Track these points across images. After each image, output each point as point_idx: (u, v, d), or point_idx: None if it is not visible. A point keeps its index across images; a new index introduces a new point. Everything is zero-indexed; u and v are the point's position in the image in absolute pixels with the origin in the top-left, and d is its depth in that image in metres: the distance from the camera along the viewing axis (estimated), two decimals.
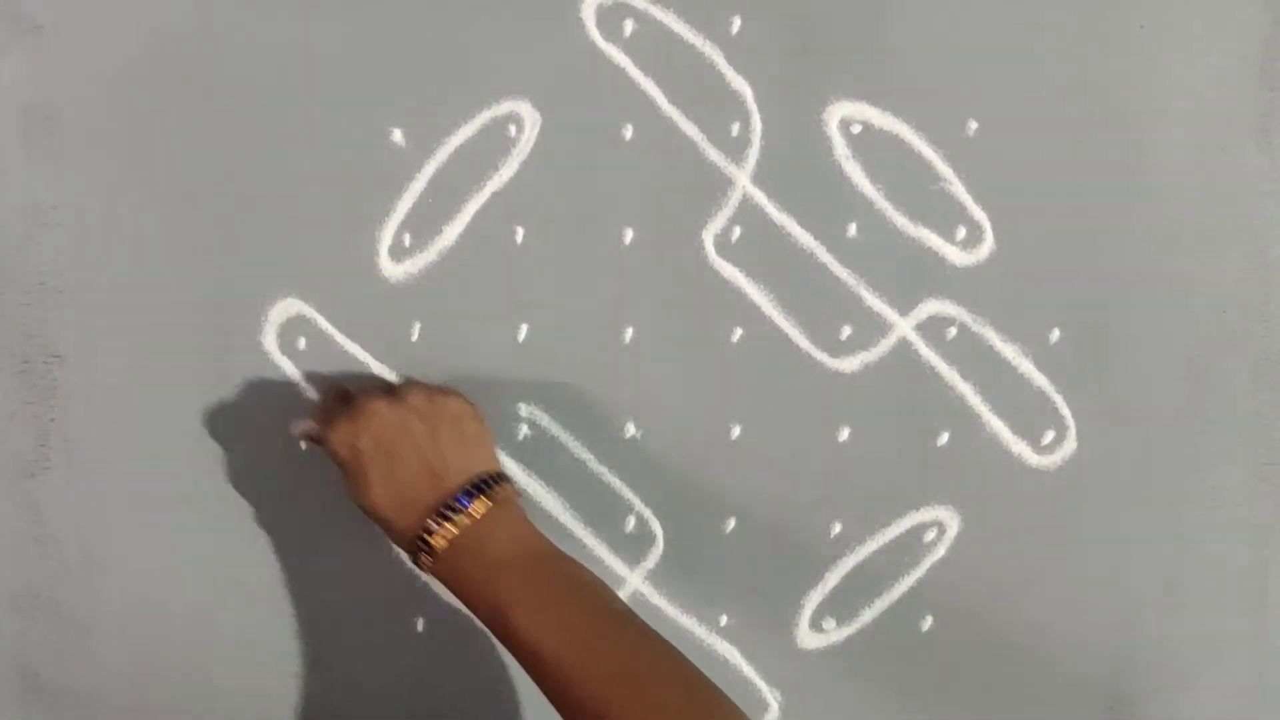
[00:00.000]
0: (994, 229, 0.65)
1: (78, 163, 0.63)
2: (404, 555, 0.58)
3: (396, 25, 0.63)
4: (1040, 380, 0.67)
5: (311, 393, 0.65)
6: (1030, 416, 0.67)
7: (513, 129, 0.64)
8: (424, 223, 0.64)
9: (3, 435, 0.65)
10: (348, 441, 0.58)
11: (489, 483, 0.57)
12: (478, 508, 0.56)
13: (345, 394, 0.62)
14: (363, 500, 0.57)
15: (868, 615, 0.68)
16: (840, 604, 0.68)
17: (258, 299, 0.65)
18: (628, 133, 0.64)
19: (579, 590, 0.56)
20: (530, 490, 0.66)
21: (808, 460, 0.67)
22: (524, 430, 0.66)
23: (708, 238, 0.65)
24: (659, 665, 0.53)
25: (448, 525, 0.55)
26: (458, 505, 0.56)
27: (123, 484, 0.66)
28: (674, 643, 0.67)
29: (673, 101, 0.64)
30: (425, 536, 0.55)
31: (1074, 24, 0.64)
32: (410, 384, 0.59)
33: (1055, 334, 0.66)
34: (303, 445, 0.65)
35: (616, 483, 0.67)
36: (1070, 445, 0.67)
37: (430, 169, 0.64)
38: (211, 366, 0.65)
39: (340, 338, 0.65)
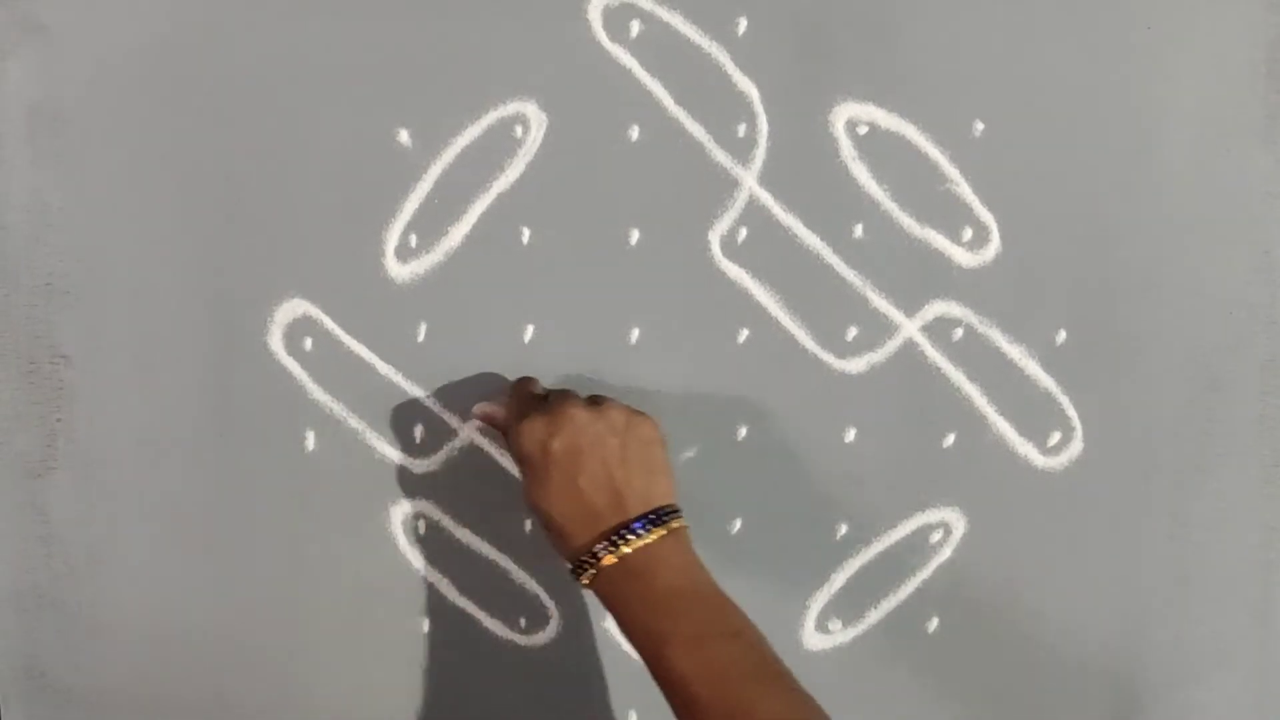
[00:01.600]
0: (1000, 230, 0.65)
1: (84, 163, 0.63)
2: (564, 563, 0.57)
3: (403, 26, 0.63)
4: (1046, 381, 0.67)
5: (318, 393, 0.65)
6: (1036, 418, 0.67)
7: (519, 130, 0.64)
8: (430, 223, 0.64)
9: (9, 435, 0.65)
10: (540, 439, 0.57)
11: (666, 515, 0.56)
12: (652, 535, 0.55)
13: (539, 392, 0.62)
14: (540, 501, 0.57)
15: (874, 616, 0.68)
16: (846, 605, 0.68)
17: (264, 299, 0.65)
18: (634, 134, 0.64)
19: (737, 636, 0.55)
20: None
21: (814, 461, 0.67)
22: None
23: (714, 239, 0.65)
24: None
25: (621, 547, 0.55)
26: (636, 530, 0.55)
27: (128, 484, 0.66)
28: None
29: (679, 102, 0.64)
30: (594, 553, 0.55)
31: (1080, 25, 0.64)
32: (610, 400, 0.59)
33: (1062, 335, 0.66)
34: (475, 425, 0.65)
35: None
36: (1076, 447, 0.67)
37: (436, 170, 0.64)
38: (217, 367, 0.65)
39: (346, 338, 0.65)
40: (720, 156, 0.65)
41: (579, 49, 0.63)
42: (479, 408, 0.63)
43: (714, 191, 0.65)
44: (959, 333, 0.66)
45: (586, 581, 0.56)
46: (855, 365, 0.66)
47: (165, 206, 0.64)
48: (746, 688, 0.52)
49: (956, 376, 0.66)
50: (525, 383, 0.63)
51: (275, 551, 0.67)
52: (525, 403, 0.60)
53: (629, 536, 0.55)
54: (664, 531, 0.55)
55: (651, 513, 0.56)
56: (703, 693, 0.52)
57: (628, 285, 0.65)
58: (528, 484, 0.58)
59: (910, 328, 0.66)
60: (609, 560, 0.55)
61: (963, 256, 0.66)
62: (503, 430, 0.61)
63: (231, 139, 0.63)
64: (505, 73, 0.63)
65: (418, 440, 0.66)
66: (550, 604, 0.68)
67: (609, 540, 0.55)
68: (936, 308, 0.66)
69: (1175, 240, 0.66)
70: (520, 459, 0.58)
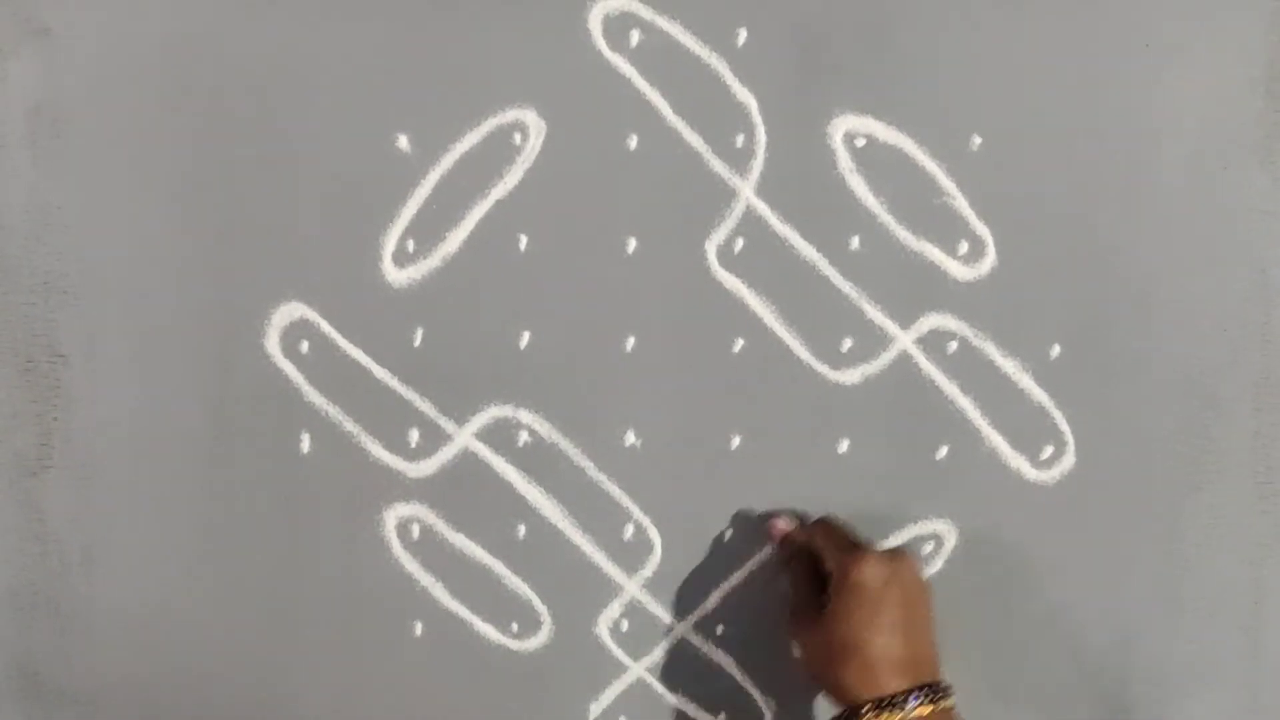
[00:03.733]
0: (996, 244, 0.65)
1: (84, 165, 0.64)
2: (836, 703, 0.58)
3: (403, 32, 0.63)
4: (1040, 395, 0.67)
5: (314, 396, 0.65)
6: (1029, 431, 0.67)
7: (518, 137, 0.64)
8: (428, 229, 0.64)
9: (6, 434, 0.66)
10: (883, 575, 0.58)
11: (945, 692, 0.58)
12: (950, 701, 0.57)
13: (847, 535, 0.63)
14: (859, 632, 0.57)
15: None
16: None
17: (261, 302, 0.65)
18: (632, 142, 0.64)
19: None
20: (530, 498, 0.67)
21: (807, 471, 0.67)
22: (524, 437, 0.66)
23: (710, 248, 0.65)
24: None
25: (942, 702, 0.57)
26: (947, 691, 0.58)
27: (124, 484, 0.66)
28: (670, 651, 0.68)
29: (678, 112, 0.64)
30: (882, 707, 0.56)
31: (1079, 42, 0.64)
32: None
33: (1056, 350, 0.66)
34: (772, 531, 0.66)
35: (615, 491, 0.67)
36: (1069, 461, 0.67)
37: (435, 176, 0.64)
38: (214, 369, 0.65)
39: (343, 342, 0.65)
40: (718, 166, 0.65)
41: (579, 57, 0.64)
42: (779, 523, 0.65)
43: (711, 201, 0.65)
44: (953, 346, 0.66)
45: None
46: (850, 376, 0.66)
47: (164, 208, 0.64)
48: None
49: (950, 389, 0.67)
50: (834, 522, 0.65)
51: (269, 553, 0.67)
52: (846, 537, 0.62)
53: (941, 695, 0.57)
54: (950, 704, 0.58)
55: (941, 685, 0.58)
56: None
57: (624, 293, 0.65)
58: (845, 611, 0.58)
59: (905, 340, 0.66)
60: (926, 710, 0.56)
61: (958, 270, 0.66)
62: (796, 553, 0.63)
63: (231, 143, 0.64)
64: (505, 80, 0.64)
65: (413, 445, 0.66)
66: (542, 609, 0.68)
67: (924, 691, 0.57)
68: (931, 320, 0.66)
69: (1171, 256, 0.66)
70: (847, 588, 0.58)
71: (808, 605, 0.62)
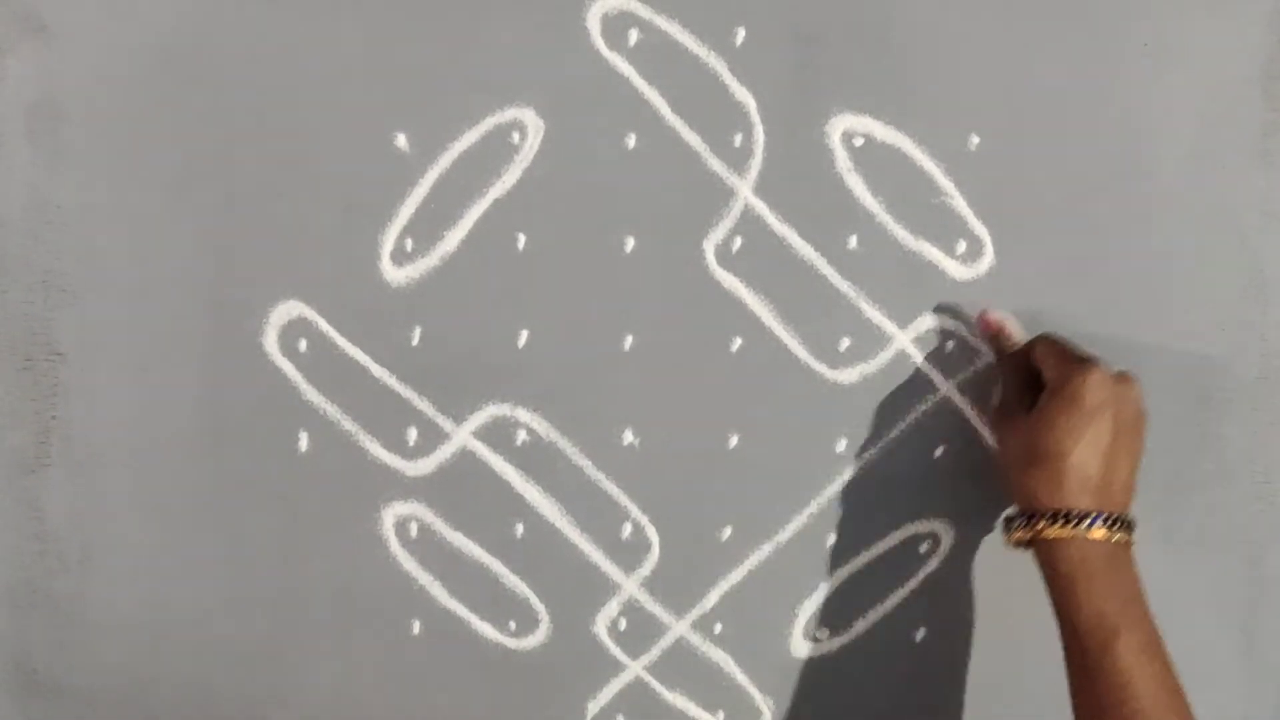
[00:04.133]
0: (994, 243, 0.66)
1: (82, 162, 0.64)
2: (1007, 516, 0.58)
3: (401, 31, 0.63)
4: None
5: (312, 395, 0.65)
6: None
7: (516, 136, 0.64)
8: (426, 228, 0.64)
9: (4, 432, 0.66)
10: (1103, 394, 0.56)
11: (1129, 525, 0.57)
12: (1102, 534, 0.56)
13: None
14: (1065, 441, 0.56)
15: (861, 625, 0.68)
16: (834, 614, 0.68)
17: (259, 300, 0.65)
18: (631, 141, 0.64)
19: (1172, 666, 0.57)
20: (528, 497, 0.67)
21: (805, 470, 0.67)
22: (522, 436, 0.66)
23: (709, 247, 0.65)
24: None
25: (1118, 533, 0.56)
26: (1132, 523, 0.57)
27: (122, 482, 0.66)
28: (668, 650, 0.68)
29: (676, 111, 0.64)
30: (1060, 519, 0.55)
31: (1078, 41, 0.64)
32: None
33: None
34: (988, 336, 0.65)
35: (613, 489, 0.67)
36: None
37: (433, 174, 0.64)
38: (212, 367, 0.65)
39: (341, 341, 0.65)
40: (716, 166, 0.65)
41: (577, 56, 0.64)
42: (991, 315, 0.63)
43: (709, 200, 0.65)
44: (951, 345, 0.66)
45: (1031, 537, 0.56)
46: (847, 375, 0.67)
47: (163, 206, 0.64)
48: (1180, 707, 0.55)
49: (947, 388, 0.67)
50: (1059, 340, 0.62)
51: (267, 551, 0.67)
52: (1070, 350, 0.60)
53: (1123, 527, 0.56)
54: (1129, 539, 0.57)
55: (1130, 518, 0.57)
56: (1142, 694, 0.54)
57: (622, 292, 0.65)
58: (1052, 416, 0.57)
59: (903, 339, 0.66)
60: (1101, 534, 0.55)
61: (956, 269, 0.66)
62: (1014, 355, 0.62)
63: (230, 141, 0.64)
64: (503, 79, 0.64)
65: (411, 444, 0.66)
66: (540, 608, 0.68)
67: (1108, 518, 0.55)
68: (929, 320, 0.66)
69: (1168, 256, 0.66)
70: (1063, 395, 0.57)
71: (1015, 404, 0.61)
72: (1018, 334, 0.64)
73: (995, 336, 0.65)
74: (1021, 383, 0.62)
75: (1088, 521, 0.56)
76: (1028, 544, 0.59)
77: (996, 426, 0.62)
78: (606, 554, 0.68)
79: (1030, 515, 0.57)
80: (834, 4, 0.64)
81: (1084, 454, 0.56)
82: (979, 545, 0.68)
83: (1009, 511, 0.58)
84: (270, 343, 0.65)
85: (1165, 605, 0.69)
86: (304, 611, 0.68)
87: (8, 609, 0.67)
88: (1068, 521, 0.56)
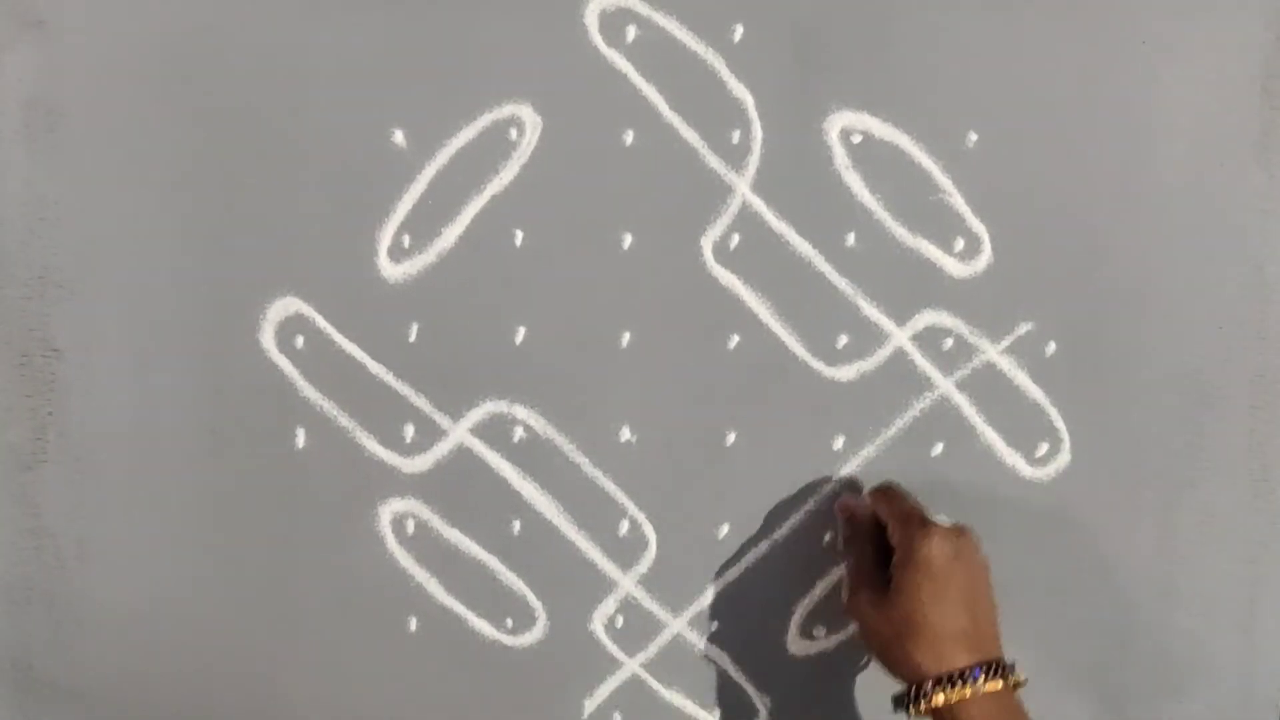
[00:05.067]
0: (992, 241, 0.65)
1: (79, 158, 0.64)
2: (895, 696, 0.58)
3: (399, 27, 0.63)
4: (1035, 392, 0.67)
5: (309, 391, 0.65)
6: (1024, 428, 0.67)
7: (514, 132, 0.64)
8: (423, 224, 0.64)
9: (0, 429, 0.66)
10: (949, 551, 0.58)
11: (1010, 669, 0.57)
12: (997, 686, 0.56)
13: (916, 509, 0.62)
14: (921, 608, 0.57)
15: None
16: (831, 612, 0.68)
17: (256, 296, 0.65)
18: (628, 138, 0.64)
19: None
20: (525, 494, 0.67)
21: (802, 468, 0.67)
22: (519, 433, 0.66)
23: (706, 244, 0.65)
24: None
25: (1012, 677, 0.57)
26: (1015, 670, 0.57)
27: (118, 479, 0.66)
28: (665, 648, 0.68)
29: (674, 108, 0.64)
30: (948, 682, 0.56)
31: (1076, 39, 0.64)
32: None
33: (1051, 347, 0.66)
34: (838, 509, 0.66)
35: (611, 487, 0.67)
36: (1064, 458, 0.68)
37: (431, 171, 0.64)
38: (209, 363, 0.65)
39: (338, 337, 0.65)
40: (714, 162, 0.65)
41: (575, 53, 0.63)
42: (846, 501, 0.65)
43: (707, 197, 0.65)
44: (949, 343, 0.66)
45: (941, 702, 0.56)
46: (845, 373, 0.67)
47: (159, 202, 0.64)
48: None
49: (946, 386, 0.67)
50: (897, 491, 0.64)
51: (264, 548, 0.67)
52: (914, 510, 0.61)
53: (1009, 671, 0.57)
54: (1015, 682, 0.57)
55: (1002, 661, 0.57)
56: None
57: (620, 289, 0.65)
58: (912, 587, 0.58)
59: (900, 337, 0.66)
60: (993, 687, 0.56)
61: (954, 267, 0.66)
62: (858, 531, 0.64)
63: (227, 137, 0.63)
64: (501, 75, 0.64)
65: (408, 440, 0.66)
66: (537, 605, 0.68)
67: (992, 667, 0.56)
68: (927, 317, 0.66)
69: (1167, 254, 0.66)
70: (913, 564, 0.58)
71: (871, 582, 0.61)
72: (863, 506, 0.65)
73: (847, 521, 0.66)
74: (872, 558, 0.63)
75: (977, 677, 0.56)
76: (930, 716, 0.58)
77: (860, 609, 0.61)
78: (603, 551, 0.67)
79: (919, 687, 0.57)
80: (832, 1, 0.64)
81: (951, 613, 0.57)
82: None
83: (895, 693, 0.58)
84: (267, 339, 0.65)
85: (1163, 604, 0.69)
86: (300, 608, 0.67)
87: (4, 605, 0.67)
88: (960, 682, 0.56)
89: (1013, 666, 0.57)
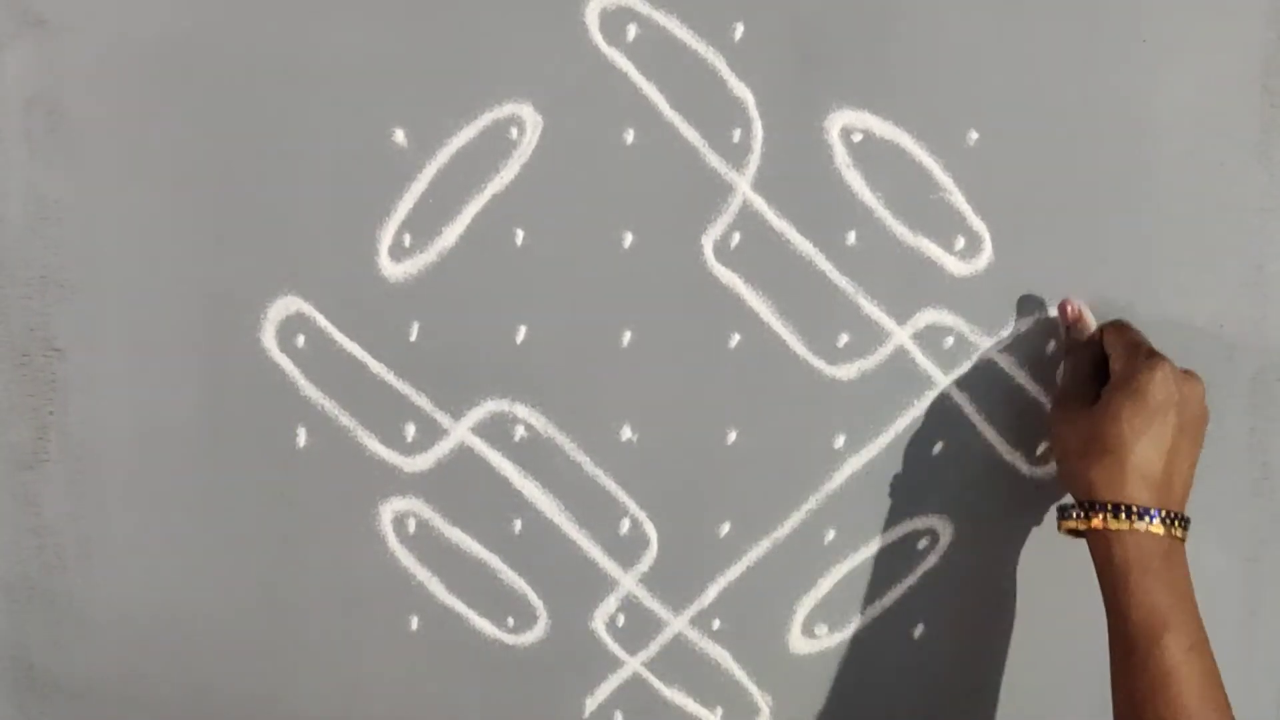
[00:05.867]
0: (993, 239, 0.65)
1: (80, 158, 0.64)
2: (1061, 505, 0.58)
3: (400, 26, 0.63)
4: (1035, 391, 0.67)
5: (310, 390, 0.65)
6: (1025, 426, 0.67)
7: (514, 131, 0.64)
8: (424, 223, 0.64)
9: (2, 428, 0.66)
10: (1169, 391, 0.57)
11: (1186, 524, 0.57)
12: (1183, 535, 0.56)
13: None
14: (1123, 432, 0.56)
15: (859, 622, 0.68)
16: (833, 610, 0.68)
17: (257, 296, 0.65)
18: (629, 137, 0.64)
19: (1214, 668, 0.57)
20: (526, 492, 0.67)
21: (803, 466, 0.67)
22: (520, 431, 0.66)
23: (707, 243, 0.65)
24: None
25: (1176, 528, 0.56)
26: (1187, 522, 0.57)
27: (120, 478, 0.66)
28: (667, 646, 0.68)
29: (674, 107, 0.64)
30: (1113, 511, 0.55)
31: (1076, 37, 0.64)
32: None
33: (1051, 345, 0.66)
34: (1062, 327, 0.65)
35: (612, 485, 0.67)
36: None
37: (431, 170, 0.64)
38: (210, 362, 0.65)
39: (339, 336, 0.65)
40: (715, 161, 0.65)
41: (575, 51, 0.64)
42: (1072, 303, 0.63)
43: (708, 196, 0.65)
44: (949, 341, 0.66)
45: (1101, 525, 0.55)
46: (846, 371, 0.67)
47: (161, 201, 0.64)
48: (1222, 704, 0.55)
49: (946, 384, 0.67)
50: (1129, 325, 0.62)
51: (265, 547, 0.67)
52: (1146, 343, 0.60)
53: (1180, 525, 0.56)
54: (1184, 537, 0.57)
55: (1186, 516, 0.57)
56: (1186, 689, 0.54)
57: (620, 288, 0.65)
58: (1117, 410, 0.57)
59: (901, 335, 0.66)
60: (1159, 529, 0.55)
61: (955, 265, 0.66)
62: (1083, 344, 0.63)
63: (227, 136, 0.64)
64: (501, 74, 0.64)
65: (408, 439, 0.66)
66: (538, 604, 0.68)
67: (1166, 514, 0.56)
68: (927, 316, 0.66)
69: (1167, 252, 0.66)
70: (1128, 389, 0.57)
71: (1079, 395, 0.61)
72: (1092, 325, 0.64)
73: (1071, 325, 0.65)
74: (1087, 374, 0.62)
75: (1147, 516, 0.56)
76: (1081, 533, 0.59)
77: (1057, 415, 0.61)
78: (605, 550, 0.67)
79: (1088, 506, 0.57)
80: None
81: (1147, 450, 0.56)
82: (978, 541, 0.68)
83: (1063, 500, 0.58)
84: (268, 338, 0.65)
85: None
86: (301, 607, 0.67)
87: (5, 605, 0.67)
88: (1127, 515, 0.56)
89: (1187, 522, 0.57)
